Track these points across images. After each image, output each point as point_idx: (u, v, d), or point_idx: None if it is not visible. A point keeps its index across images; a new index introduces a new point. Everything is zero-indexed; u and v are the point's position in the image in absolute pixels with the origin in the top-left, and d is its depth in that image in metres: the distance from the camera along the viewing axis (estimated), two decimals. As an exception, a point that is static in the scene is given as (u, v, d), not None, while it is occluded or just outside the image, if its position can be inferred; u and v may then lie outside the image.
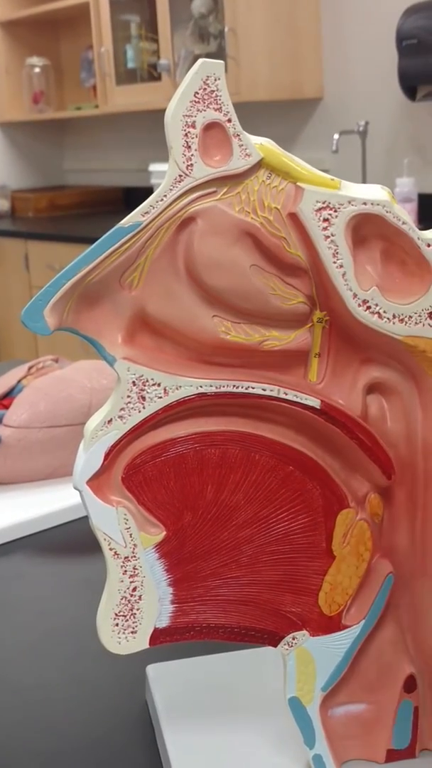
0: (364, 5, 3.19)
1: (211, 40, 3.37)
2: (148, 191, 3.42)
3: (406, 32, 2.88)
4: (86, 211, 4.23)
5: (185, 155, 0.49)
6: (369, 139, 3.21)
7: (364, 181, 3.16)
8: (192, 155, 0.49)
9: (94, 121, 4.32)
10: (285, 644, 0.55)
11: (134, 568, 0.53)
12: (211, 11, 3.34)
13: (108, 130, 4.32)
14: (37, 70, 4.25)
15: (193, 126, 0.49)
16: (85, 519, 0.53)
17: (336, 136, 3.10)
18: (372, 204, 0.50)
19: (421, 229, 0.52)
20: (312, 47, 3.33)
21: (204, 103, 0.49)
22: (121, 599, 0.53)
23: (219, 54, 3.26)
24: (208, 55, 3.29)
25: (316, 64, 3.36)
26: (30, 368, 1.11)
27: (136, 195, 4.18)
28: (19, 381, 1.08)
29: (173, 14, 3.44)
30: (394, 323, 0.51)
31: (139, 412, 0.52)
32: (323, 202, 0.50)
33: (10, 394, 1.07)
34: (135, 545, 0.53)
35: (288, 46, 3.26)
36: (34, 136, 4.53)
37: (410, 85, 2.94)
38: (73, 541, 0.94)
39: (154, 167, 3.50)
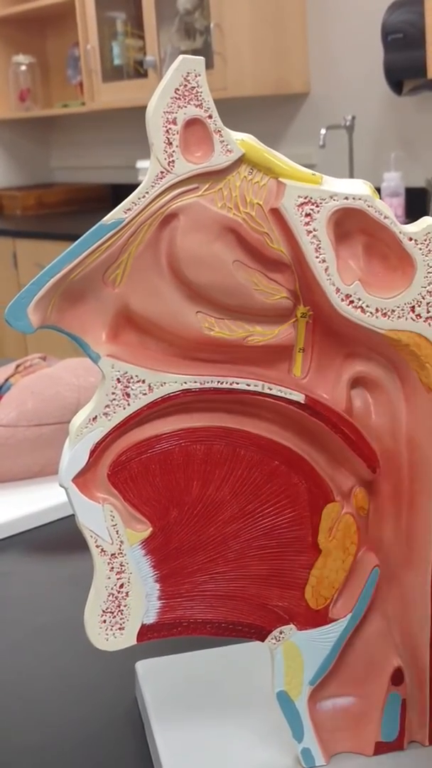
0: (349, 0, 3.19)
1: (197, 37, 3.37)
2: (135, 188, 3.42)
3: (391, 27, 2.88)
4: (74, 209, 4.23)
5: (166, 152, 0.49)
6: (356, 134, 3.21)
7: (351, 176, 3.16)
8: (173, 152, 0.49)
9: (81, 119, 4.31)
10: (272, 638, 0.55)
11: (121, 565, 0.53)
12: (197, 7, 3.34)
13: (95, 127, 4.31)
14: (23, 67, 4.24)
15: (174, 122, 0.49)
16: (73, 517, 0.53)
17: (323, 131, 3.10)
18: (354, 198, 0.50)
19: (408, 223, 0.52)
20: (298, 42, 3.33)
21: (185, 99, 0.49)
22: (108, 596, 0.53)
23: (205, 50, 3.26)
24: (195, 52, 3.29)
25: (303, 59, 3.36)
26: (17, 367, 1.11)
27: (124, 192, 4.17)
28: (6, 379, 1.08)
29: (159, 11, 3.43)
30: (377, 317, 0.51)
31: (124, 408, 0.52)
32: (305, 197, 0.50)
33: (-3, 393, 1.07)
34: (121, 542, 0.53)
35: (274, 41, 3.26)
36: (21, 134, 4.52)
37: (396, 80, 2.95)
38: (62, 538, 0.94)
39: (141, 164, 3.50)
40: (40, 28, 4.35)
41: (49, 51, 4.42)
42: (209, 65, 3.20)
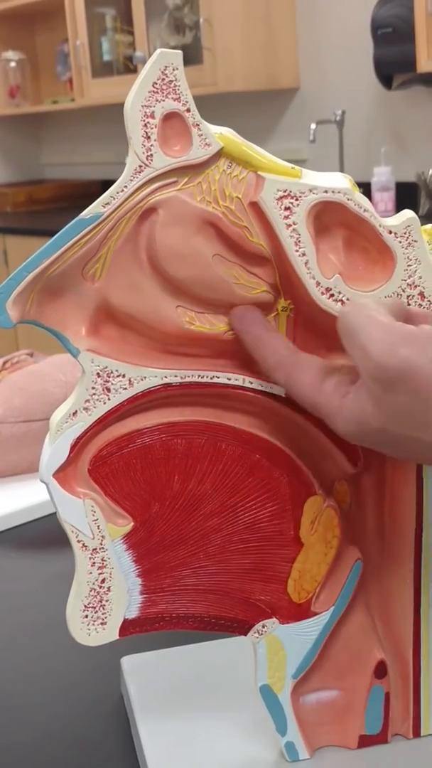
0: (338, -6, 3.19)
1: (187, 32, 3.37)
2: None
3: (381, 21, 2.88)
4: (65, 205, 4.22)
5: (145, 145, 0.49)
6: (346, 129, 3.21)
7: (341, 171, 3.16)
8: (152, 145, 0.49)
9: (71, 115, 4.30)
10: (255, 632, 0.55)
11: (102, 560, 0.53)
12: (186, 2, 3.33)
13: (85, 123, 4.30)
14: (12, 64, 4.23)
15: (152, 116, 0.49)
16: (60, 513, 0.53)
17: (313, 126, 3.10)
18: (333, 192, 0.50)
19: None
20: (287, 37, 3.32)
21: (162, 93, 0.49)
22: (90, 591, 0.53)
23: (195, 45, 3.26)
24: (184, 47, 3.28)
25: (292, 54, 3.35)
26: (4, 363, 1.10)
27: (114, 188, 4.16)
28: (-7, 376, 1.08)
29: (148, 6, 3.43)
30: (357, 310, 0.51)
31: (105, 403, 0.52)
32: (284, 191, 0.50)
33: (-16, 389, 1.06)
34: (103, 537, 0.53)
35: (263, 36, 3.26)
36: (11, 131, 4.51)
37: (386, 74, 2.95)
38: (48, 535, 0.94)
39: (131, 160, 3.49)
40: (30, 24, 4.34)
41: (39, 47, 4.41)
42: (199, 60, 3.19)
